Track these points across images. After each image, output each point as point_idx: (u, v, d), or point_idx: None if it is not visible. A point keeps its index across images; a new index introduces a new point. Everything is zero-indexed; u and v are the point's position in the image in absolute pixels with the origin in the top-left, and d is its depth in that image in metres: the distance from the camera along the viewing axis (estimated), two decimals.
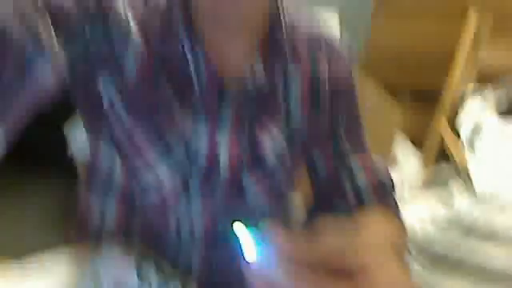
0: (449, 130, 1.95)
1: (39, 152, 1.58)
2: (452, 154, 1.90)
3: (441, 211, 1.36)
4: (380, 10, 2.14)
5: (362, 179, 0.62)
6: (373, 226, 0.45)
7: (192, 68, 0.52)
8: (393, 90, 0.92)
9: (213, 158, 0.54)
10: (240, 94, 0.54)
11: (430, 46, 2.28)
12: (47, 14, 0.44)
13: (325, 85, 0.59)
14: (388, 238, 0.42)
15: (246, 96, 0.54)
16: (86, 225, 0.61)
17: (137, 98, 0.51)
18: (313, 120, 0.59)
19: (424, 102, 2.32)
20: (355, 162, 0.63)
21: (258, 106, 0.55)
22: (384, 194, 0.62)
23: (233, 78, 0.53)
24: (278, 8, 0.55)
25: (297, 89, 0.57)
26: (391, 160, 0.88)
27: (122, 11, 0.50)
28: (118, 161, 0.55)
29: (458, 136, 1.87)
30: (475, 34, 1.83)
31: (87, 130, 0.58)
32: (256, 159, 0.56)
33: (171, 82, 0.52)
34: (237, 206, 0.58)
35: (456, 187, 1.57)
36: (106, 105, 0.52)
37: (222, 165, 0.55)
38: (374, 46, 2.23)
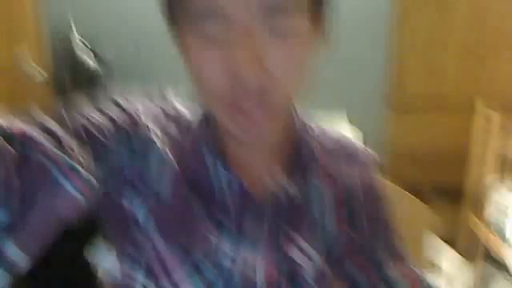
0: (480, 225, 1.87)
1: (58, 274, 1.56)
2: (488, 249, 1.80)
3: None
4: (389, 108, 2.22)
5: (396, 280, 0.59)
6: None
7: (222, 186, 0.53)
8: (414, 189, 0.92)
9: (248, 278, 0.52)
10: (272, 210, 0.53)
11: (443, 142, 2.31)
12: (83, 138, 0.46)
13: (356, 196, 0.59)
14: None
15: (278, 212, 0.54)
16: None
17: (169, 217, 0.51)
18: (348, 234, 0.58)
19: (449, 198, 2.27)
20: (395, 273, 0.60)
21: (291, 221, 0.54)
22: None
23: (263, 194, 0.53)
24: (302, 125, 0.57)
25: (328, 203, 0.57)
26: (426, 263, 0.84)
27: (154, 134, 0.53)
28: (147, 282, 0.54)
29: (490, 229, 1.79)
30: (485, 126, 1.86)
31: (116, 251, 0.58)
32: (292, 276, 0.54)
33: (202, 201, 0.52)
34: None
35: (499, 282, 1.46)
36: (136, 224, 0.52)
37: (258, 283, 0.53)
38: (388, 145, 2.26)
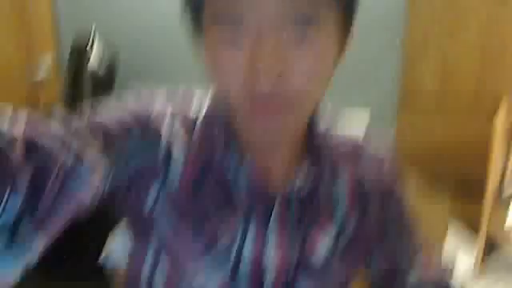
0: (500, 219, 1.84)
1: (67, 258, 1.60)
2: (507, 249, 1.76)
3: None
4: (404, 108, 2.20)
5: (420, 281, 0.58)
6: None
7: (235, 175, 0.54)
8: (431, 189, 0.91)
9: (259, 261, 0.54)
10: (285, 197, 0.54)
11: (460, 143, 2.27)
12: (93, 133, 0.47)
13: (370, 187, 0.59)
14: None
15: (292, 200, 0.54)
16: None
17: (181, 205, 0.53)
18: (362, 223, 0.58)
19: (468, 198, 2.23)
20: (412, 264, 0.60)
21: (305, 209, 0.55)
22: None
23: (277, 182, 0.55)
24: (317, 116, 0.58)
25: (342, 192, 0.57)
26: (445, 254, 0.83)
27: (165, 135, 0.54)
28: (160, 268, 0.56)
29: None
30: (507, 127, 1.82)
31: (133, 238, 0.59)
32: (305, 262, 0.55)
33: (215, 188, 0.53)
34: None
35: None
36: (150, 214, 0.53)
37: (269, 268, 0.54)
38: (402, 142, 2.24)
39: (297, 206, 0.55)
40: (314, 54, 0.44)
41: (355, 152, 0.61)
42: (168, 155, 0.53)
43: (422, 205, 0.84)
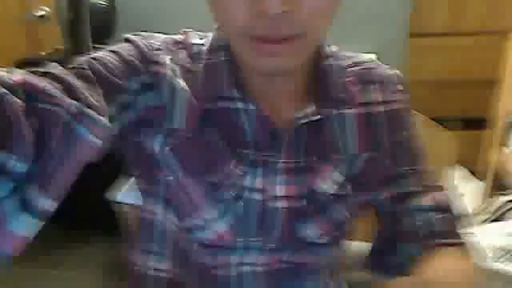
0: (506, 157, 1.84)
1: (78, 216, 1.65)
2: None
3: (502, 242, 1.27)
4: (411, 33, 2.13)
5: (427, 218, 0.59)
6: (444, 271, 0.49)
7: (242, 116, 0.53)
8: (438, 119, 0.91)
9: (267, 200, 0.54)
10: (292, 135, 0.54)
11: (471, 72, 2.22)
12: (95, 82, 0.45)
13: (381, 121, 0.58)
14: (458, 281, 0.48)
15: (299, 137, 0.54)
16: (139, 285, 0.62)
17: (187, 148, 0.52)
18: (373, 159, 0.58)
19: (475, 129, 2.22)
20: (422, 200, 0.60)
21: (313, 146, 0.55)
22: (454, 231, 0.59)
23: (284, 122, 0.54)
24: (324, 51, 0.56)
25: (352, 127, 0.56)
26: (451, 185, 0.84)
27: (168, 68, 0.53)
28: (171, 217, 0.56)
29: None
30: None
31: (141, 189, 0.59)
32: (313, 200, 0.55)
33: (221, 130, 0.53)
34: (294, 246, 0.57)
35: None
36: (155, 160, 0.53)
37: (277, 204, 0.54)
38: (410, 72, 2.20)
39: (305, 138, 0.54)
40: None
41: (364, 73, 0.59)
42: (172, 91, 0.52)
43: (430, 136, 0.84)
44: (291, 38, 0.43)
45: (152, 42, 0.55)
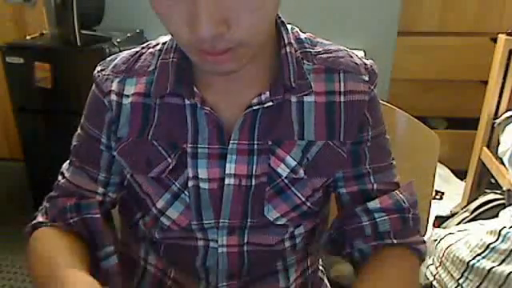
0: (490, 156, 1.88)
1: None
2: (497, 181, 1.82)
3: (488, 240, 1.29)
4: (400, 31, 2.14)
5: (381, 221, 0.60)
6: (388, 273, 0.55)
7: (186, 111, 0.56)
8: (425, 118, 0.91)
9: (216, 185, 0.57)
10: (245, 121, 0.55)
11: (457, 72, 2.25)
12: None
13: (339, 111, 0.58)
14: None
15: (252, 122, 0.56)
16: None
17: (130, 149, 0.59)
18: (328, 146, 0.58)
19: (461, 129, 2.25)
20: (377, 201, 0.60)
21: (266, 131, 0.56)
22: (405, 233, 0.60)
23: (241, 106, 0.55)
24: (284, 39, 0.57)
25: (310, 114, 0.57)
26: (433, 191, 0.85)
27: (113, 93, 0.59)
28: (139, 211, 0.64)
29: (500, 161, 1.80)
30: (506, 57, 1.79)
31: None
32: (267, 182, 0.58)
33: (165, 126, 0.57)
34: (255, 226, 0.60)
35: (503, 215, 1.49)
36: (112, 162, 0.62)
37: (229, 184, 0.57)
38: (398, 70, 2.22)
39: (258, 124, 0.55)
40: None
41: (332, 61, 0.58)
42: (119, 108, 0.59)
43: (413, 134, 0.84)
44: (229, 49, 0.45)
45: (104, 70, 0.61)
